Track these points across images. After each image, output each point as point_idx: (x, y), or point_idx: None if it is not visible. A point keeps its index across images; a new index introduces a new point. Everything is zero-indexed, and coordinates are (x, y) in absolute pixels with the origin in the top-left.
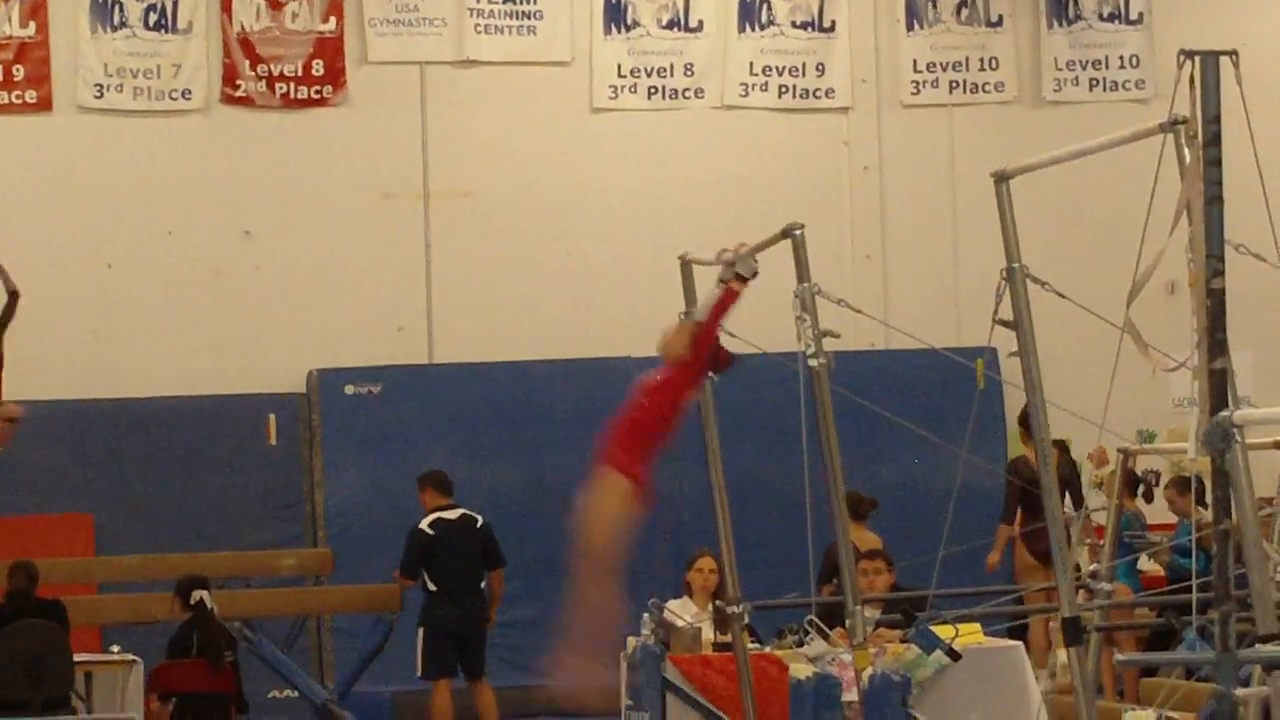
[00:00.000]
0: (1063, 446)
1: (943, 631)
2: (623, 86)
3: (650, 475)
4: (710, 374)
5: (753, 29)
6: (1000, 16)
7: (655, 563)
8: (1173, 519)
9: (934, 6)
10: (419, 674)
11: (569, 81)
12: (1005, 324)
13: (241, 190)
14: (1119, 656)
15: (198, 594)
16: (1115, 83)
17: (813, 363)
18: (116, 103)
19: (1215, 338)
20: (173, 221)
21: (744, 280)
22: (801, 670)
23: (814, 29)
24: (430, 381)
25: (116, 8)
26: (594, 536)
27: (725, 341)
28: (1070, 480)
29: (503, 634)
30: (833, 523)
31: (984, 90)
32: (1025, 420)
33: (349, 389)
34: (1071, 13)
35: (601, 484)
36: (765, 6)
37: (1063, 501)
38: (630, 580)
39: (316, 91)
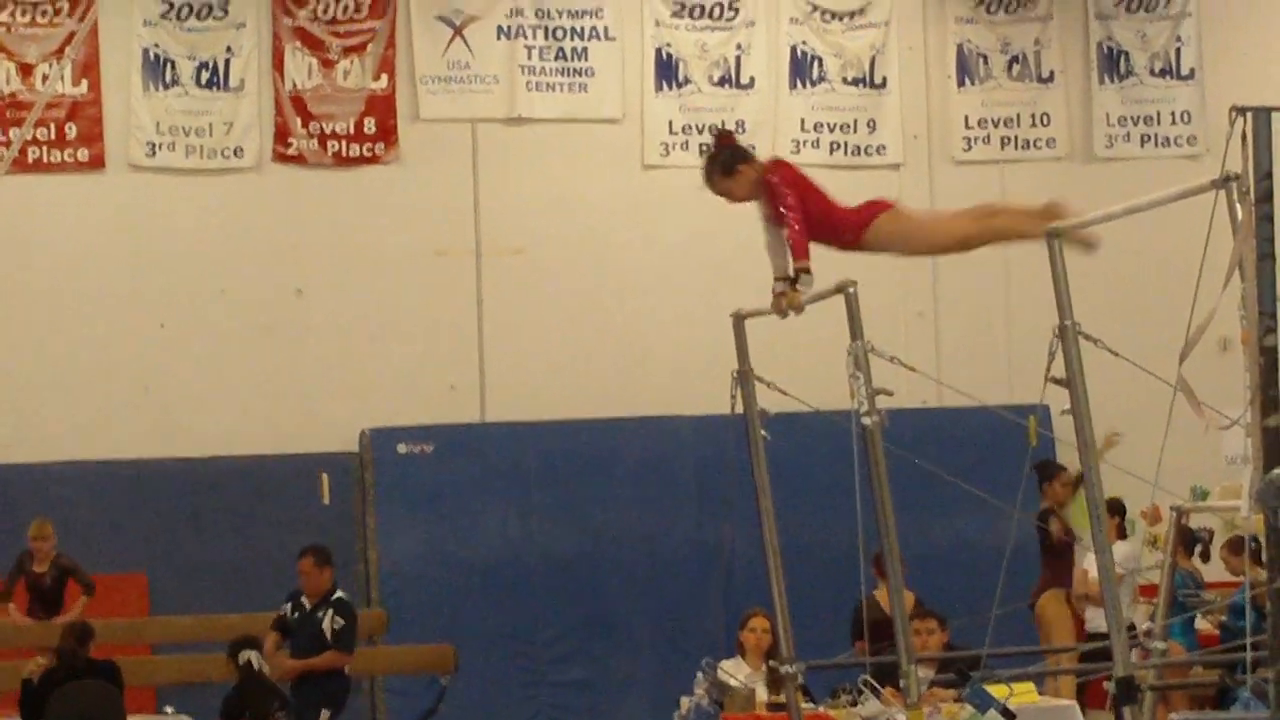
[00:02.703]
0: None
1: (997, 691)
2: (674, 143)
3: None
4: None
5: (804, 85)
6: (1051, 72)
7: (708, 622)
8: (1231, 578)
9: (985, 63)
10: None
11: (620, 138)
12: (1058, 381)
13: (293, 248)
14: (1174, 716)
15: (245, 654)
16: (1167, 138)
17: (866, 420)
18: (169, 161)
19: (1268, 395)
20: (225, 280)
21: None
22: None
23: (865, 85)
24: (483, 440)
25: (168, 66)
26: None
27: (777, 401)
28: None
29: (554, 694)
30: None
31: (1035, 146)
32: (1044, 471)
33: (402, 448)
34: (1123, 68)
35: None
36: (817, 63)
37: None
38: (683, 640)
39: (368, 149)
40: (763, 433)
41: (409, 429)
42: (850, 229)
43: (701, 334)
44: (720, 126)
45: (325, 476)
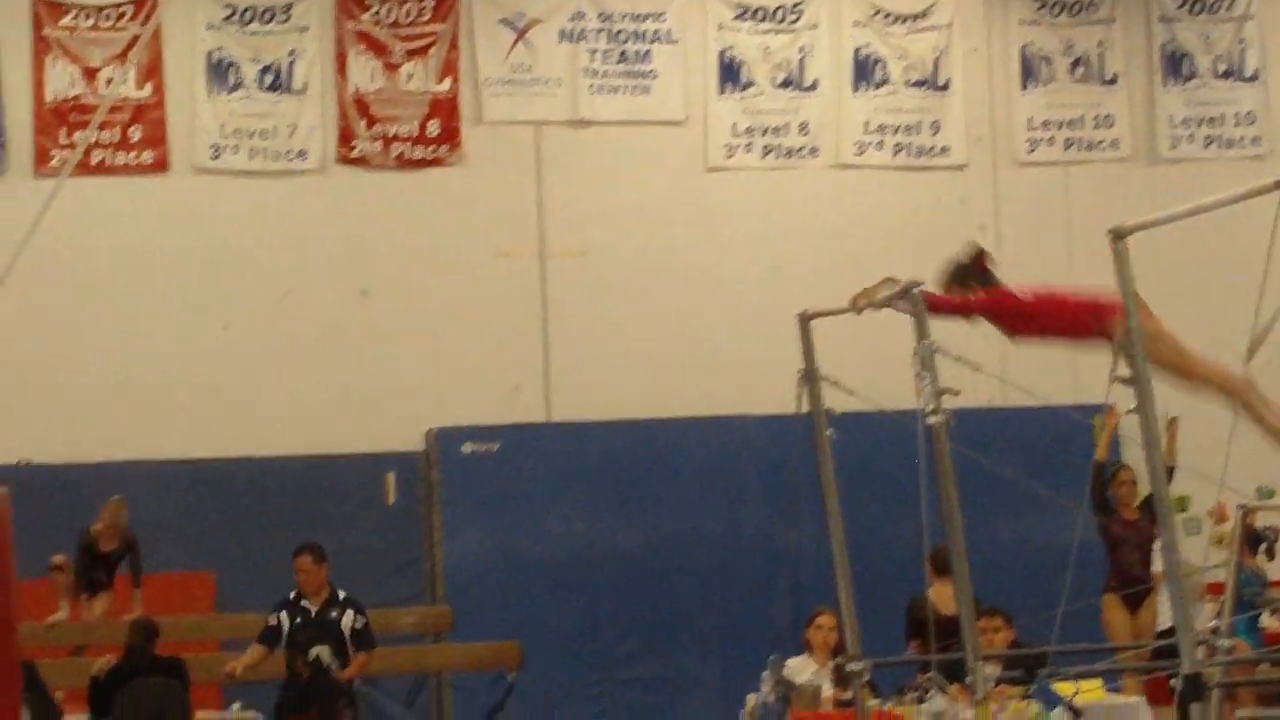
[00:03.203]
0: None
1: (1063, 688)
2: (737, 145)
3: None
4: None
5: (867, 87)
6: (1115, 74)
7: (775, 620)
8: None
9: (1048, 64)
10: None
11: (684, 141)
12: (1123, 381)
13: (358, 250)
14: (1240, 713)
15: (316, 650)
16: (1230, 140)
17: (931, 420)
18: (232, 163)
19: None
20: (290, 281)
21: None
22: None
23: (929, 87)
24: (548, 440)
25: (232, 69)
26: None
27: (843, 400)
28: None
29: (621, 692)
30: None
31: (1099, 148)
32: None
33: (467, 447)
34: (1186, 70)
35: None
36: (880, 65)
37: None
38: (749, 638)
39: (432, 151)
40: (828, 432)
41: (474, 428)
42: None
43: (767, 334)
44: (978, 244)
45: (391, 476)
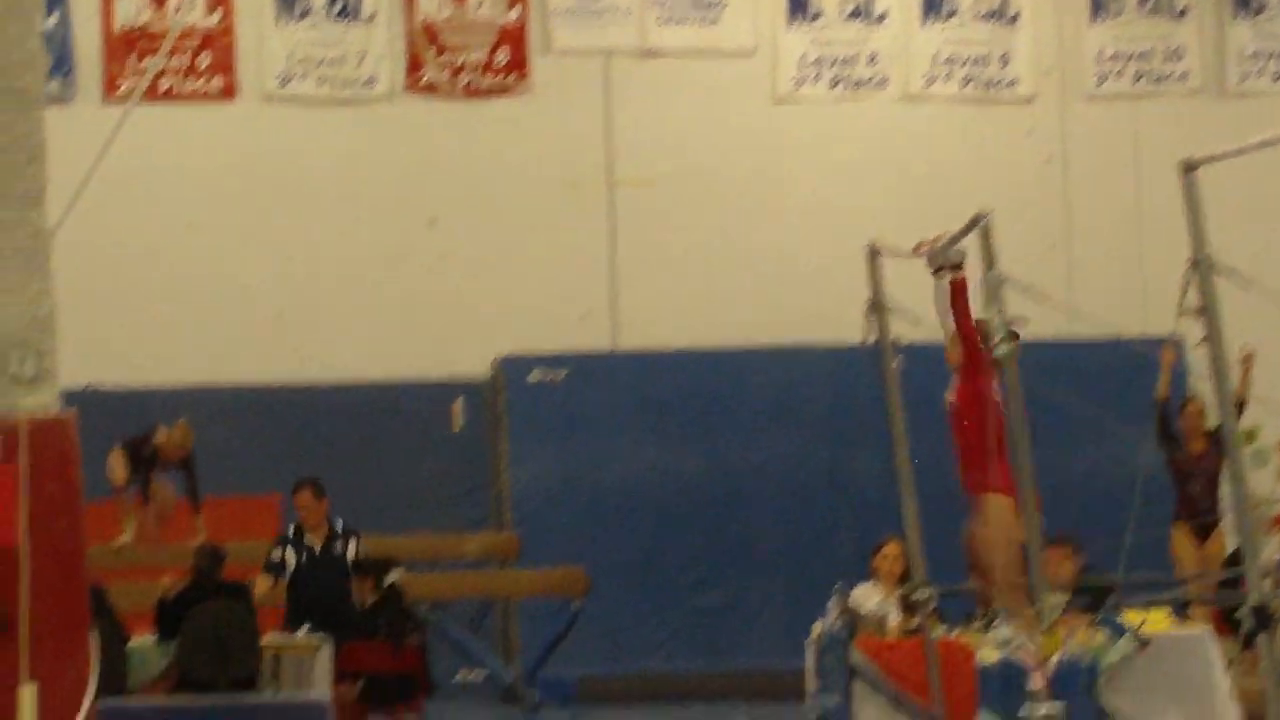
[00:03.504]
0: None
1: (1131, 617)
2: (806, 77)
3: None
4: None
5: (936, 19)
6: (1184, 7)
7: (840, 548)
8: None
9: None
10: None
11: (752, 72)
12: (1192, 313)
13: (426, 178)
14: None
15: (394, 574)
16: None
17: (999, 351)
18: (301, 91)
19: None
20: (357, 209)
21: (959, 268)
22: (988, 655)
23: (998, 19)
24: (614, 368)
25: None
26: (997, 561)
27: (909, 330)
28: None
29: (686, 620)
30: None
31: (1168, 81)
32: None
33: (534, 375)
34: (1256, 3)
35: (985, 512)
36: None
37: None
38: (816, 566)
39: (500, 80)
40: (895, 362)
41: (541, 357)
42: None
43: (833, 264)
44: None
45: (458, 403)
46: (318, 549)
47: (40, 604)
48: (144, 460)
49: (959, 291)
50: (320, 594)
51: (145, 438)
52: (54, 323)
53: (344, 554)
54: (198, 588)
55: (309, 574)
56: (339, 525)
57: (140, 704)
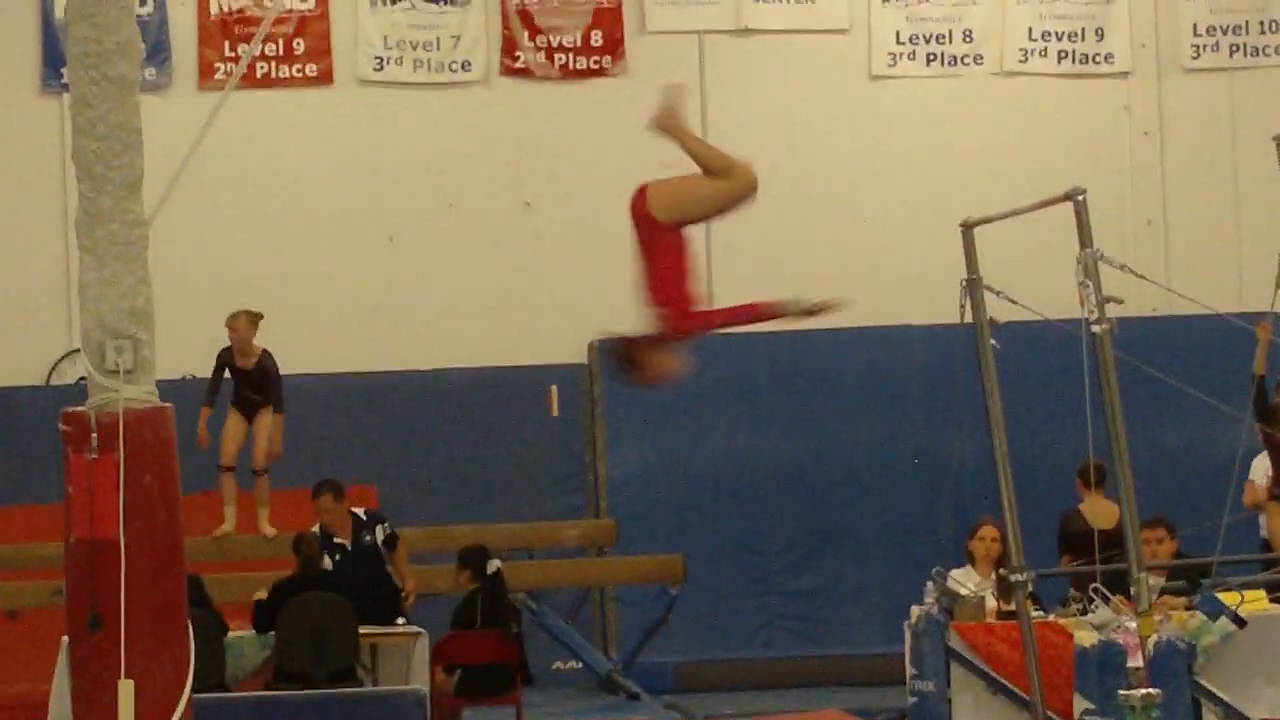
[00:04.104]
0: None
1: (1228, 598)
2: (901, 54)
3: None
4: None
5: None
6: None
7: (938, 531)
8: None
9: None
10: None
11: (847, 49)
12: None
13: (521, 161)
14: None
15: (495, 563)
16: None
17: (1095, 328)
18: (396, 75)
19: None
20: (453, 193)
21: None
22: (1086, 638)
23: None
24: (710, 351)
25: None
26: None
27: (1007, 309)
28: None
29: (784, 604)
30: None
31: (1264, 54)
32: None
33: None
34: None
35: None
36: None
37: None
38: (913, 549)
39: (595, 62)
40: (992, 341)
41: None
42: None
43: (930, 243)
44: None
45: (555, 388)
46: (349, 545)
47: (138, 596)
48: (219, 369)
49: (749, 316)
50: (362, 589)
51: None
52: (151, 313)
53: (374, 541)
54: (302, 577)
55: (348, 572)
56: (361, 515)
57: (238, 697)
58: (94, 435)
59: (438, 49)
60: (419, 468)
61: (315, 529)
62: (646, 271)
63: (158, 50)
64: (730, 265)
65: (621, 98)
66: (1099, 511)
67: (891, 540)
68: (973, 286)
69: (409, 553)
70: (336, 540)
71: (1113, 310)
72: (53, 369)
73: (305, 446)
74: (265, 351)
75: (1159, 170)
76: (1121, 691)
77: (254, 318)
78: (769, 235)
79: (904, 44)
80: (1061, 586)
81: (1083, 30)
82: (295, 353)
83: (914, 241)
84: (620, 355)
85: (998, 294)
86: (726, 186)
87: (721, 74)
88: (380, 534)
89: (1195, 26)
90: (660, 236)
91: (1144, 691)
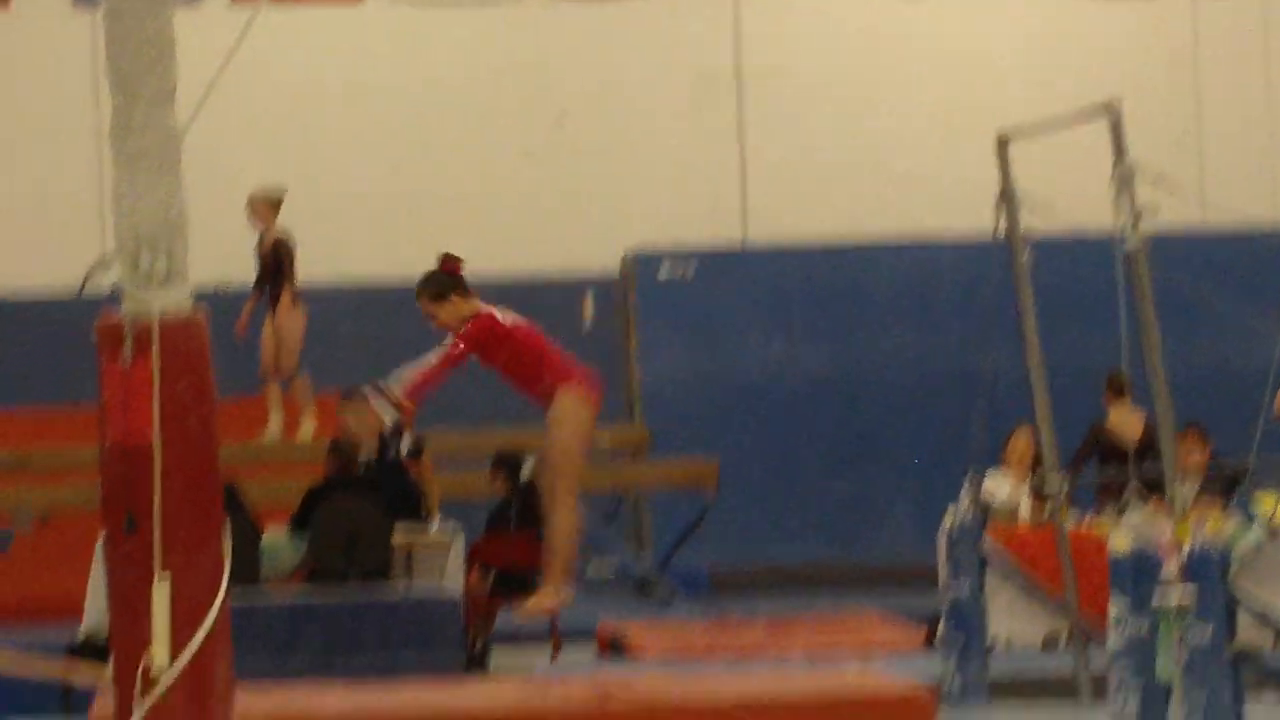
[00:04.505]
0: None
1: (1264, 504)
2: None
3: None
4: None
5: None
6: None
7: (971, 439)
8: None
9: None
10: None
11: None
12: None
13: (554, 74)
14: None
15: (528, 467)
16: None
17: (1130, 243)
18: None
19: None
20: (486, 108)
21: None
22: (1120, 544)
23: None
24: (744, 263)
25: None
26: (556, 442)
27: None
28: None
29: (818, 512)
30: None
31: None
32: None
33: (663, 270)
34: None
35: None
36: None
37: None
38: (947, 456)
39: None
40: (1026, 255)
41: (671, 252)
42: (541, 388)
43: (965, 157)
44: (450, 253)
45: (588, 298)
46: (376, 455)
47: (173, 501)
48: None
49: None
50: (391, 496)
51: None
52: (185, 223)
53: (398, 449)
54: (338, 480)
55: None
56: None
57: (272, 598)
58: (128, 343)
59: None
60: (454, 374)
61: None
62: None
63: None
64: (766, 179)
65: (656, 8)
66: (1126, 420)
67: (925, 449)
68: (1007, 200)
69: (443, 456)
70: (361, 458)
71: (1147, 224)
72: (86, 278)
73: (337, 353)
74: (279, 240)
75: (1193, 85)
76: (1156, 597)
77: (269, 197)
78: (805, 149)
79: None
80: (1093, 496)
81: None
82: (327, 262)
83: (949, 155)
84: None
85: (1033, 208)
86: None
87: None
88: (406, 443)
89: None
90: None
91: (1178, 596)
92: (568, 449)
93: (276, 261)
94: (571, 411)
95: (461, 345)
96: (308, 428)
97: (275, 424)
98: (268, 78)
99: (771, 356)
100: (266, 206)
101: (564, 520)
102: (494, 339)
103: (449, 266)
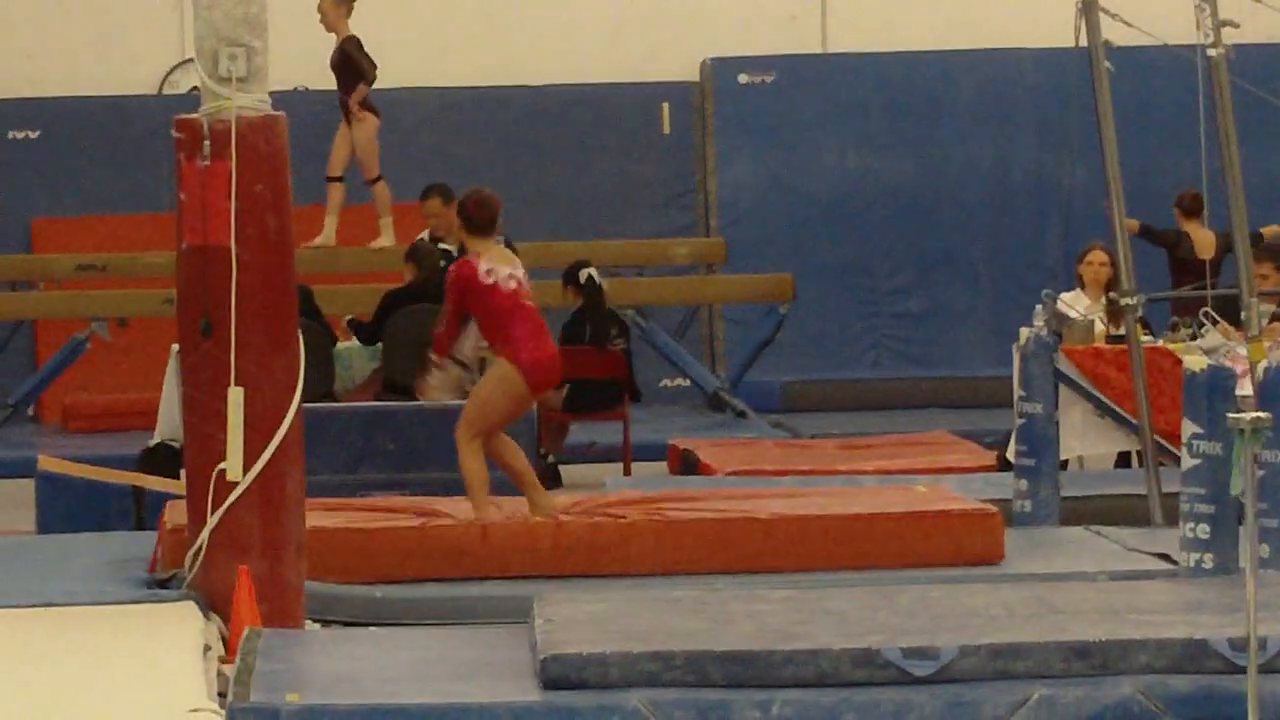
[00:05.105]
0: None
1: None
2: None
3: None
4: None
5: None
6: None
7: (1047, 256)
8: None
9: None
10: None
11: None
12: None
13: None
14: None
15: (585, 272)
16: None
17: (1212, 53)
18: None
19: None
20: None
21: None
22: (1195, 363)
23: None
24: (823, 71)
25: None
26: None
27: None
28: None
29: (892, 326)
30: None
31: None
32: None
33: (742, 78)
34: None
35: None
36: None
37: None
38: (1022, 273)
39: None
40: (1106, 65)
41: (750, 59)
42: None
43: None
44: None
45: (666, 106)
46: (455, 253)
47: (249, 304)
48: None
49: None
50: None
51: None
52: (265, 22)
53: None
54: (417, 288)
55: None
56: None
57: (346, 407)
58: (206, 142)
59: None
60: (528, 183)
61: (424, 235)
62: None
63: None
64: None
65: None
66: (1199, 241)
67: (1000, 264)
68: (1088, 9)
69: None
70: (443, 246)
71: (1230, 35)
72: (165, 78)
73: (417, 160)
74: (348, 38)
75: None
76: (1230, 415)
77: (336, 2)
78: None
79: None
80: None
81: None
82: (408, 66)
83: None
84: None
85: (1113, 16)
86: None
87: None
88: None
89: None
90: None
91: (1253, 415)
92: (469, 415)
93: (344, 65)
94: (494, 384)
95: (448, 300)
96: (387, 235)
97: (330, 228)
98: None
99: (849, 166)
100: (335, 11)
101: (463, 465)
102: (468, 289)
103: (476, 210)
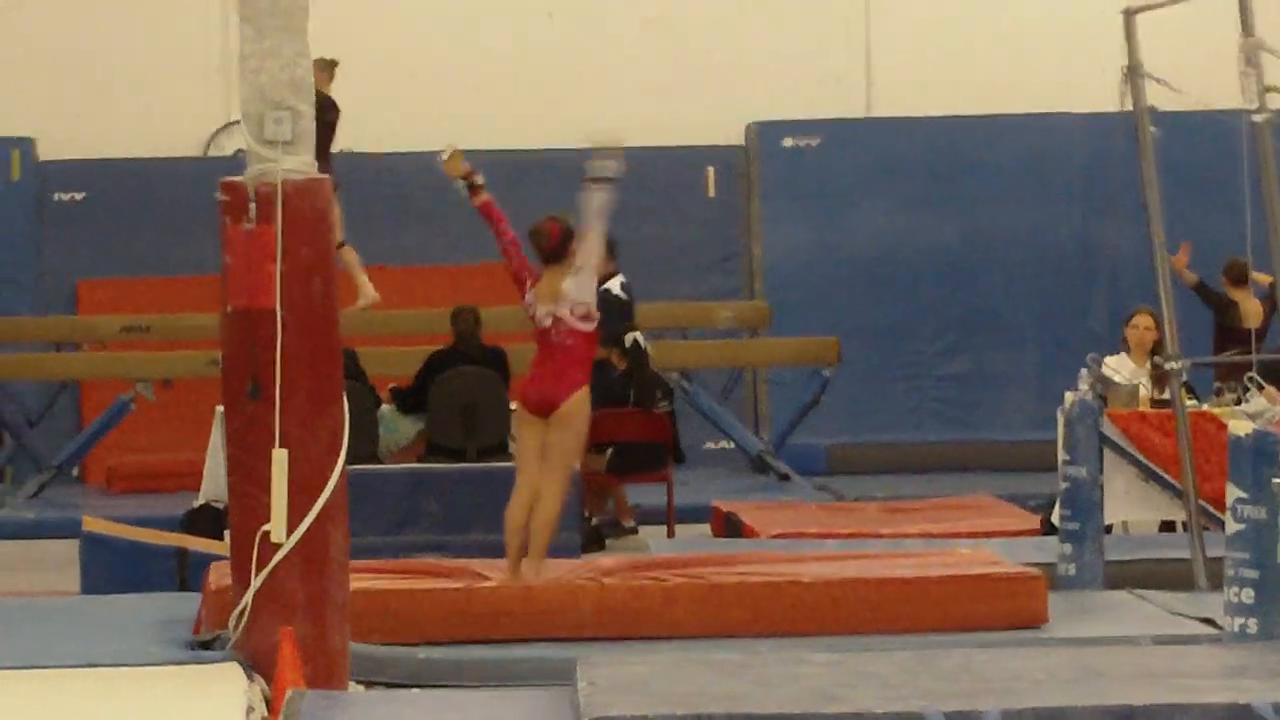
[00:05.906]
0: None
1: None
2: None
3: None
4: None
5: None
6: None
7: (1092, 319)
8: None
9: None
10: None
11: None
12: None
13: None
14: None
15: (631, 335)
16: None
17: (1256, 118)
18: None
19: None
20: None
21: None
22: (1240, 427)
23: None
24: (868, 134)
25: None
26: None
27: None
28: None
29: (936, 388)
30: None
31: None
32: None
33: (787, 141)
34: None
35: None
36: None
37: None
38: (1066, 336)
39: None
40: (1151, 130)
41: (794, 122)
42: None
43: (1091, 28)
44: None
45: (711, 169)
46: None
47: (294, 366)
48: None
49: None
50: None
51: None
52: (310, 86)
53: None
54: (458, 351)
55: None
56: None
57: (390, 469)
58: (252, 205)
59: None
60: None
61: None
62: None
63: None
64: (890, 50)
65: None
66: (1246, 309)
67: (1045, 327)
68: (1133, 74)
69: None
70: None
71: (1274, 100)
72: (210, 140)
73: (452, 225)
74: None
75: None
76: (1276, 480)
77: (324, 64)
78: (929, 20)
79: None
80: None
81: None
82: (452, 128)
83: (1075, 28)
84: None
85: (1159, 81)
86: None
87: None
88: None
89: None
90: None
91: None
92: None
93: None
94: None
95: (512, 250)
96: (365, 292)
97: (365, 285)
98: None
99: (894, 229)
100: (320, 76)
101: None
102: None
103: (528, 238)
